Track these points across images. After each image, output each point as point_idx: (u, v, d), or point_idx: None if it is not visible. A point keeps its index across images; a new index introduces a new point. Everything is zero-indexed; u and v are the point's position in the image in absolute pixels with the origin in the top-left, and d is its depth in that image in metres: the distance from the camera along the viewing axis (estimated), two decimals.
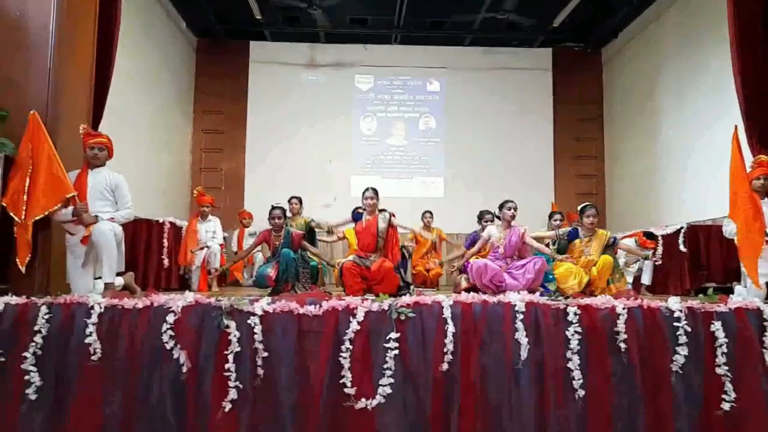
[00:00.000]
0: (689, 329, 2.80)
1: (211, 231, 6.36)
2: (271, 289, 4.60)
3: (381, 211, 4.83)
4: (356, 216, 4.92)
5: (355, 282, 4.50)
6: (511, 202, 4.60)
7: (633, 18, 8.58)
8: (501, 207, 4.64)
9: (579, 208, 4.73)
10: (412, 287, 4.98)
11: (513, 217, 4.57)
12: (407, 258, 6.19)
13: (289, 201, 5.98)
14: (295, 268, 4.65)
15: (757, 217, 3.76)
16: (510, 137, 9.40)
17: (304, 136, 9.20)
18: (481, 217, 5.90)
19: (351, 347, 2.70)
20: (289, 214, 5.52)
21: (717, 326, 2.82)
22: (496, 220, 4.72)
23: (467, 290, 4.09)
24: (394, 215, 4.85)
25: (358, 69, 9.72)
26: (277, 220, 4.89)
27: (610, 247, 4.63)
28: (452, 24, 9.07)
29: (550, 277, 4.48)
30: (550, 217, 6.07)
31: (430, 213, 7.07)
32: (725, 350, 2.78)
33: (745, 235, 3.81)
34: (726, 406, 2.73)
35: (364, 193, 4.82)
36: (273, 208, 4.95)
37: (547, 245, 4.94)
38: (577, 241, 4.62)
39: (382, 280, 4.53)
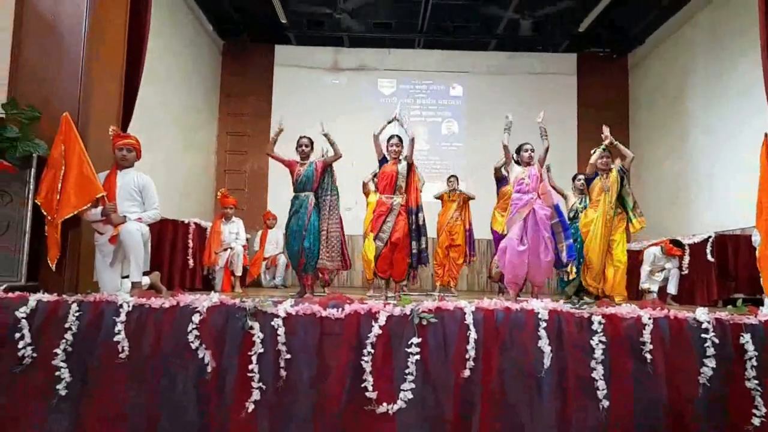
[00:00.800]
0: (717, 341, 2.75)
1: (234, 232, 6.44)
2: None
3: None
4: (382, 161, 5.21)
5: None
6: (528, 144, 4.79)
7: (661, 23, 8.47)
8: (518, 151, 4.82)
9: (592, 152, 5.13)
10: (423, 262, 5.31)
11: (531, 158, 4.73)
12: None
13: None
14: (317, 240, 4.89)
15: None
16: (533, 142, 9.31)
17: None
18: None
19: (372, 351, 2.70)
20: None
21: (746, 338, 2.75)
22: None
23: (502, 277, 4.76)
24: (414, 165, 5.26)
25: (381, 73, 9.76)
26: (304, 148, 5.06)
27: (625, 175, 5.01)
28: (476, 28, 9.05)
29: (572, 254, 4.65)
30: (574, 179, 6.22)
31: (455, 177, 7.16)
32: (755, 363, 2.71)
33: (765, 246, 3.72)
34: (756, 421, 2.67)
35: (389, 140, 5.18)
36: (301, 137, 5.12)
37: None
38: (596, 179, 4.97)
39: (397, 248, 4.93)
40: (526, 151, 4.74)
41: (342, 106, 9.50)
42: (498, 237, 5.93)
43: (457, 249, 6.93)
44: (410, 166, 5.16)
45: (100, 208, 3.66)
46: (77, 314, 2.82)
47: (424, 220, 5.31)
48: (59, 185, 3.52)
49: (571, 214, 5.72)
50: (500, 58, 9.69)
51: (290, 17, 8.60)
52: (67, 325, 2.80)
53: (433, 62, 9.74)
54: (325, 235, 5.05)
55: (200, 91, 8.84)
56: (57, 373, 2.74)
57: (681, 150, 8.01)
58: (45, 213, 3.51)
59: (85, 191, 3.58)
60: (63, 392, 2.73)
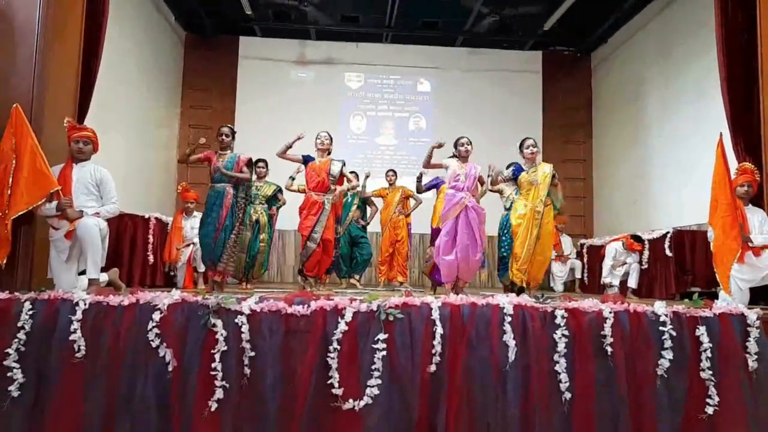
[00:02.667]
0: (674, 334, 2.83)
1: (196, 227, 6.29)
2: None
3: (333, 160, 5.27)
4: (307, 158, 5.21)
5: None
6: (464, 138, 4.78)
7: (621, 25, 8.67)
8: (456, 145, 4.79)
9: (519, 143, 4.95)
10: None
11: (468, 152, 4.73)
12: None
13: (256, 164, 6.00)
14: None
15: (734, 225, 3.80)
16: (499, 139, 9.34)
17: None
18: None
19: (339, 348, 2.68)
20: (254, 177, 5.67)
21: (702, 331, 2.85)
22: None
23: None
24: (344, 164, 5.38)
25: (348, 67, 9.69)
26: (224, 137, 4.92)
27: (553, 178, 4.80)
28: (443, 24, 9.09)
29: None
30: (508, 167, 6.15)
31: (393, 171, 7.29)
32: (709, 355, 2.81)
33: (721, 241, 3.86)
34: (709, 410, 2.76)
35: (320, 134, 5.25)
36: (221, 127, 5.02)
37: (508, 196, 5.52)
38: (523, 174, 4.81)
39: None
40: (462, 145, 4.73)
41: (308, 99, 9.41)
42: (434, 232, 5.93)
43: (402, 244, 7.03)
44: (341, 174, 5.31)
45: (54, 203, 3.53)
46: (30, 313, 2.72)
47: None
48: (10, 180, 3.37)
49: (508, 204, 5.69)
50: (467, 54, 9.75)
51: (255, 9, 8.45)
52: (19, 324, 2.69)
53: (401, 57, 9.72)
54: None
55: (162, 83, 8.61)
56: (9, 374, 2.63)
57: (640, 149, 8.23)
58: None
59: (39, 186, 3.45)
60: (15, 394, 2.63)
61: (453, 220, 4.51)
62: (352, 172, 7.17)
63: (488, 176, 5.13)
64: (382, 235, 7.20)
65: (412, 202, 7.13)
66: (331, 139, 5.41)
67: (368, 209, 7.23)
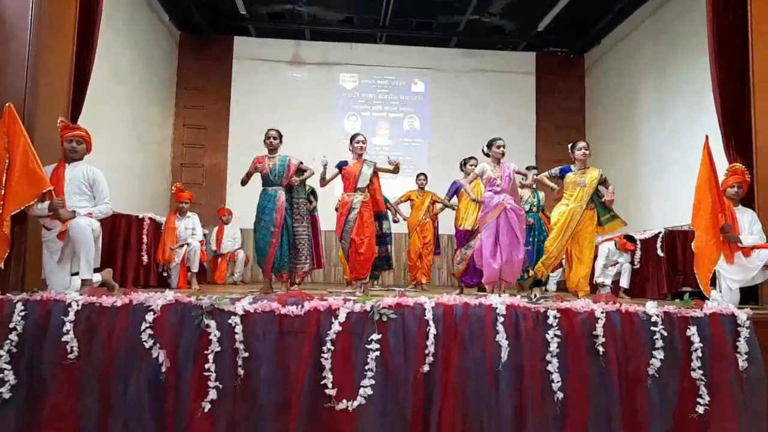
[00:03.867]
0: (666, 334, 2.86)
1: (190, 228, 6.29)
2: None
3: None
4: (341, 164, 5.13)
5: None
6: (500, 139, 4.69)
7: (615, 26, 8.71)
8: (490, 145, 4.71)
9: (570, 145, 4.92)
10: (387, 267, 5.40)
11: (503, 154, 4.67)
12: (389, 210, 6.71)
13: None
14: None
15: (715, 227, 3.83)
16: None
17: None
18: (465, 163, 6.08)
19: (332, 348, 2.69)
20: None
21: (693, 331, 2.87)
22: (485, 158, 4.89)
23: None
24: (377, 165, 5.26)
25: (343, 68, 9.69)
26: (272, 140, 4.90)
27: (603, 183, 4.78)
28: (438, 25, 9.10)
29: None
30: (528, 169, 6.21)
31: (424, 175, 7.20)
32: (700, 354, 2.84)
33: (703, 243, 3.88)
34: (700, 409, 2.79)
35: (356, 136, 5.16)
36: (268, 129, 4.98)
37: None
38: (570, 174, 4.75)
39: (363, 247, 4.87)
40: (499, 147, 4.66)
41: (303, 100, 9.41)
42: (459, 233, 5.99)
43: (428, 246, 7.04)
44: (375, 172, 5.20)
45: (47, 203, 3.51)
46: (23, 314, 2.71)
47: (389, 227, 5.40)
48: (3, 179, 3.36)
49: (527, 207, 5.79)
50: (461, 55, 9.78)
51: (250, 9, 8.44)
52: (11, 325, 2.68)
53: (395, 58, 9.74)
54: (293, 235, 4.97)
55: (156, 82, 8.58)
56: (0, 376, 2.62)
57: (633, 149, 8.27)
58: None
59: (32, 185, 3.43)
60: (7, 395, 2.62)
61: (494, 222, 4.48)
62: (421, 173, 7.21)
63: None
64: (409, 238, 7.17)
65: (438, 206, 7.09)
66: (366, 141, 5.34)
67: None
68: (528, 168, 6.26)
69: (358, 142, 5.12)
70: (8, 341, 2.65)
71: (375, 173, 5.20)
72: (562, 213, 4.68)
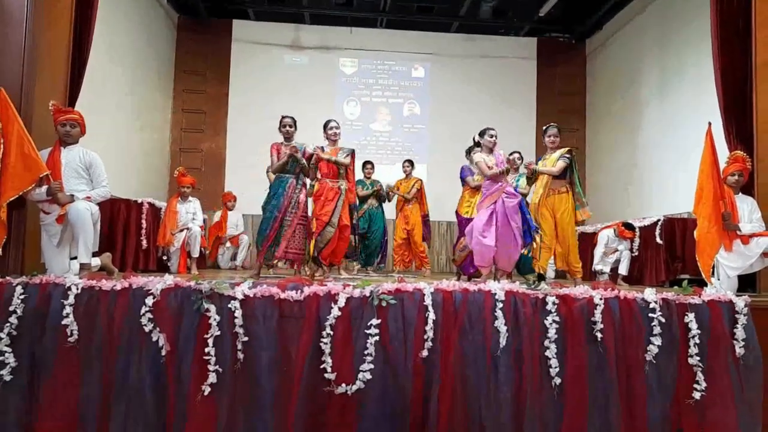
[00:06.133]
0: (664, 320, 2.87)
1: (191, 212, 6.27)
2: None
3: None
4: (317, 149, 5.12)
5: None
6: (493, 129, 4.69)
7: (617, 10, 8.63)
8: (482, 134, 4.70)
9: (543, 128, 4.95)
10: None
11: (494, 144, 4.66)
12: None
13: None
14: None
15: (717, 215, 3.83)
16: (493, 125, 9.39)
17: None
18: (470, 151, 6.03)
19: (332, 333, 2.70)
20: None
21: (690, 318, 2.88)
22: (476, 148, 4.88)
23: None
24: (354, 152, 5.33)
25: (342, 52, 9.61)
26: (288, 128, 4.89)
27: (568, 159, 4.72)
28: (439, 10, 9.02)
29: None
30: (509, 155, 6.18)
31: (410, 162, 7.31)
32: (698, 341, 2.85)
33: (705, 230, 3.88)
34: (697, 395, 2.81)
35: (329, 123, 5.17)
36: (283, 117, 4.95)
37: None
38: (540, 162, 4.83)
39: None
40: (492, 136, 4.64)
41: (302, 84, 9.34)
42: (462, 220, 5.99)
43: (414, 230, 7.09)
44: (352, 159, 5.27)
45: (45, 188, 3.50)
46: (22, 297, 2.71)
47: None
48: None
49: None
50: (462, 40, 9.70)
51: None
52: (11, 308, 2.69)
53: (395, 43, 9.66)
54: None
55: (154, 66, 8.51)
56: (1, 358, 2.63)
57: (634, 136, 8.24)
58: None
59: (28, 171, 3.41)
60: (8, 377, 2.63)
61: (491, 207, 4.43)
62: (368, 162, 7.31)
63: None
64: (395, 222, 7.29)
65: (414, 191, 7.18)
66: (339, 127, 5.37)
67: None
68: (512, 153, 6.20)
69: (331, 129, 5.17)
70: (8, 324, 2.66)
71: (353, 160, 5.27)
72: (534, 203, 4.75)
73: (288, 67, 9.45)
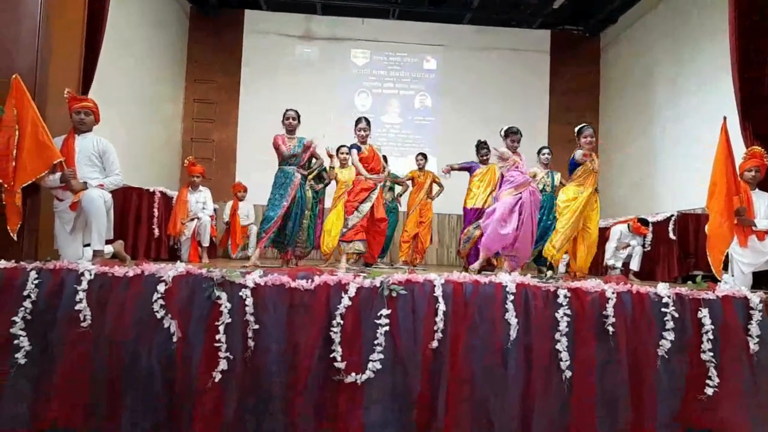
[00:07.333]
0: (677, 315, 2.84)
1: (201, 201, 6.31)
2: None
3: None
4: (357, 147, 5.13)
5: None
6: (516, 134, 4.67)
7: (632, 3, 8.52)
8: (507, 135, 4.68)
9: (576, 129, 4.90)
10: None
11: (515, 149, 4.66)
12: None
13: None
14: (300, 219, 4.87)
15: (729, 210, 3.78)
16: (505, 118, 9.25)
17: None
18: (480, 147, 6.21)
19: (342, 322, 2.70)
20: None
21: (704, 313, 2.85)
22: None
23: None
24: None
25: (354, 43, 9.59)
26: (291, 121, 4.92)
27: None
28: (451, 1, 8.95)
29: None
30: (539, 152, 6.30)
31: (423, 155, 7.23)
32: (711, 337, 2.82)
33: (717, 225, 3.83)
34: (709, 391, 2.78)
35: (359, 123, 5.14)
36: (287, 110, 4.99)
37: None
38: (588, 162, 4.76)
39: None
40: (513, 141, 4.65)
41: (313, 75, 9.34)
42: (468, 212, 5.99)
43: (426, 227, 7.04)
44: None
45: (58, 174, 3.53)
46: (36, 282, 2.73)
47: None
48: (14, 152, 3.37)
49: (541, 186, 5.82)
50: (475, 32, 9.63)
51: None
52: (25, 293, 2.71)
53: (407, 34, 9.61)
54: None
55: (166, 56, 8.54)
56: (16, 342, 2.66)
57: (647, 130, 8.16)
58: (1, 181, 3.37)
59: (42, 157, 3.45)
60: (22, 361, 2.66)
61: (517, 197, 4.42)
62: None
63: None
64: (407, 216, 7.18)
65: (435, 187, 7.14)
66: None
67: (397, 188, 7.22)
68: (539, 150, 6.26)
69: (359, 129, 5.14)
70: (23, 308, 2.68)
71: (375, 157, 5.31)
72: (572, 199, 4.75)
73: (299, 58, 9.44)
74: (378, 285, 2.77)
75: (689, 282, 3.07)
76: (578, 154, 4.77)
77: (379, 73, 9.66)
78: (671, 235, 5.86)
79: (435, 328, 2.73)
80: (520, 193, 4.42)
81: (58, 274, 2.77)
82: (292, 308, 2.74)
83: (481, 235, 5.34)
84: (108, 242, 3.79)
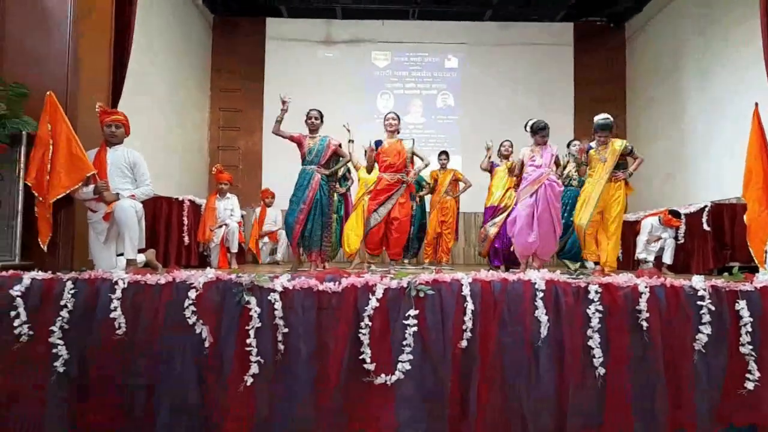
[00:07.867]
0: (713, 308, 2.76)
1: (229, 208, 6.41)
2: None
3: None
4: (377, 143, 5.20)
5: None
6: (544, 129, 4.73)
7: None
8: (535, 132, 4.74)
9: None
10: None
11: (545, 143, 4.72)
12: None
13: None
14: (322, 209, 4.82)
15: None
16: (529, 114, 9.19)
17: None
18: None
19: (370, 324, 2.70)
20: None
21: (742, 305, 2.77)
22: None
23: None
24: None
25: (375, 45, 9.61)
26: (314, 120, 4.94)
27: (629, 154, 4.75)
28: None
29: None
30: (568, 145, 6.26)
31: (446, 154, 7.20)
32: (750, 329, 2.74)
33: (756, 215, 3.73)
34: (750, 385, 2.70)
35: (387, 115, 5.24)
36: (310, 110, 5.02)
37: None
38: (592, 151, 4.82)
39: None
40: (544, 137, 4.71)
41: (335, 79, 9.38)
42: (486, 210, 5.96)
43: (449, 225, 6.98)
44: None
45: (92, 187, 3.63)
46: (72, 291, 2.81)
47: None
48: (48, 165, 3.48)
49: (566, 181, 5.75)
50: (496, 28, 9.55)
51: None
52: (62, 303, 2.79)
53: (427, 34, 9.59)
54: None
55: (191, 66, 8.69)
56: (54, 350, 2.74)
57: (677, 120, 7.96)
58: (35, 193, 3.48)
59: (76, 170, 3.55)
60: (61, 369, 2.74)
61: (533, 197, 4.47)
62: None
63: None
64: (429, 216, 7.16)
65: (460, 184, 7.09)
66: (399, 119, 5.38)
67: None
68: (568, 144, 6.20)
69: (387, 120, 5.18)
70: (60, 317, 2.76)
71: (413, 152, 5.37)
72: (583, 188, 4.76)
73: (321, 62, 9.50)
74: (405, 286, 2.77)
75: (725, 274, 2.98)
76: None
77: (400, 74, 9.66)
78: (705, 227, 5.70)
79: (464, 327, 2.72)
80: (536, 189, 4.43)
81: (93, 283, 2.84)
82: (320, 311, 2.76)
83: (498, 233, 5.38)
84: (140, 251, 3.87)
